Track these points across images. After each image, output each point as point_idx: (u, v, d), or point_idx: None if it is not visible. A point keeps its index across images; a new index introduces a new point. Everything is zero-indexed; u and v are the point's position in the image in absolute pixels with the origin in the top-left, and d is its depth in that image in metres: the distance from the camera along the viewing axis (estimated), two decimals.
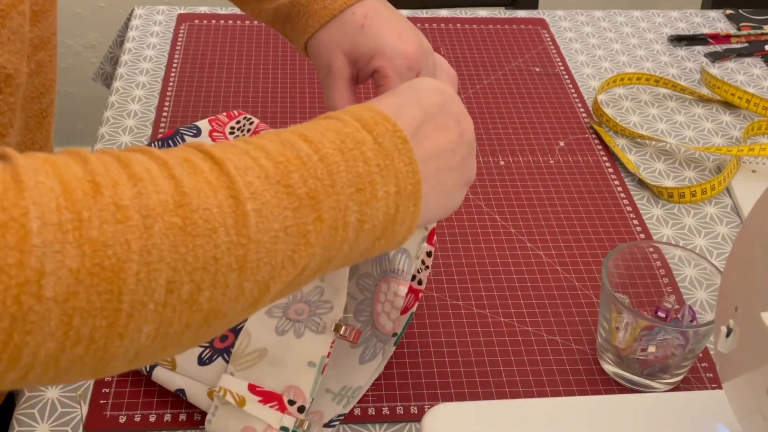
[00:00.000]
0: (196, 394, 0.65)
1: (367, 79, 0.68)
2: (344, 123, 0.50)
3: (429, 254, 0.68)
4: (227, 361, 0.65)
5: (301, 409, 0.62)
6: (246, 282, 0.44)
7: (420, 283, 0.68)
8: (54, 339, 0.39)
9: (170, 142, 0.78)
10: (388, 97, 0.54)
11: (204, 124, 0.82)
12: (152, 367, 0.67)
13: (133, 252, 0.39)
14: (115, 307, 0.39)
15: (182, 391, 0.65)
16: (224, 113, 0.84)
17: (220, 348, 0.65)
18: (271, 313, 0.65)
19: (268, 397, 0.62)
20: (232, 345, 0.65)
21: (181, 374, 0.65)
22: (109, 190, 0.40)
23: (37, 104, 0.69)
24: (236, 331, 0.65)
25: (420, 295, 0.68)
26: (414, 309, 0.68)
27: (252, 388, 0.63)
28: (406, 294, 0.65)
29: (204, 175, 0.43)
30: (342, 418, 0.66)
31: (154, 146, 0.77)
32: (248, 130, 0.79)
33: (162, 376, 0.66)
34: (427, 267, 0.68)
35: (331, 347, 0.63)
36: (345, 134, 0.49)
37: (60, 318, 0.38)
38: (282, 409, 0.62)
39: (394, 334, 0.66)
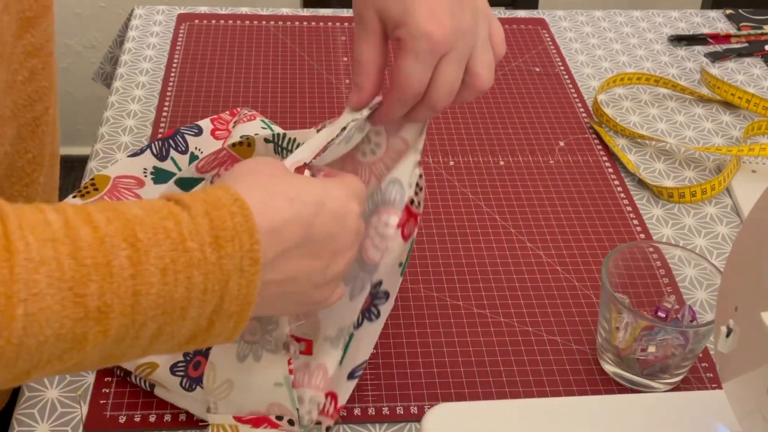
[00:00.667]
0: (200, 412, 0.65)
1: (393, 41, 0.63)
2: (193, 233, 0.46)
3: (420, 176, 0.66)
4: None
5: (290, 422, 0.62)
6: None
7: (418, 206, 0.65)
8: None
9: (171, 141, 0.78)
10: (288, 200, 0.51)
11: (206, 124, 0.81)
12: (152, 386, 0.67)
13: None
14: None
15: (186, 410, 0.65)
16: (227, 111, 0.83)
17: (194, 377, 0.64)
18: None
19: (257, 422, 0.62)
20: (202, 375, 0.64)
21: (178, 395, 0.65)
22: None
23: (30, 112, 0.68)
24: (206, 355, 0.64)
25: (418, 218, 0.65)
26: (414, 234, 0.65)
27: (238, 419, 0.62)
28: (406, 220, 0.63)
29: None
30: (365, 364, 0.65)
31: (155, 146, 0.76)
32: (246, 119, 0.79)
33: (162, 395, 0.66)
34: (421, 188, 0.65)
35: (289, 365, 0.61)
36: (181, 251, 0.45)
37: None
38: (273, 426, 0.62)
39: (401, 264, 0.64)
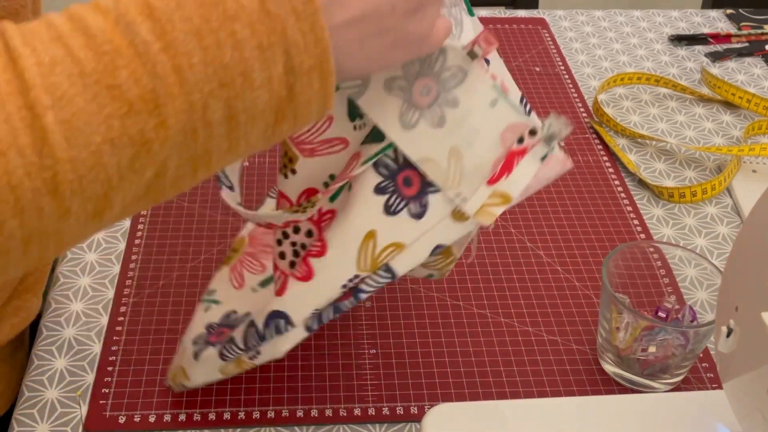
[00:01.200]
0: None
1: None
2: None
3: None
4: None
5: (532, 133, 0.54)
6: (67, 202, 0.37)
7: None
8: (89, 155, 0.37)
9: None
10: None
11: None
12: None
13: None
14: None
15: (186, 410, 0.65)
16: None
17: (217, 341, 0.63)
18: (390, 88, 0.52)
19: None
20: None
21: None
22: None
23: None
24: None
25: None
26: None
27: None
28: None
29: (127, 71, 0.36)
30: None
31: None
32: None
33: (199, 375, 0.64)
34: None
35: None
36: (210, 6, 0.38)
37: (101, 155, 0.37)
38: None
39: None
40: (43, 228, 0.37)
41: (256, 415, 0.66)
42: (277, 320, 0.57)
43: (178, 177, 0.40)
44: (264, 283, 0.68)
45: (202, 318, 0.67)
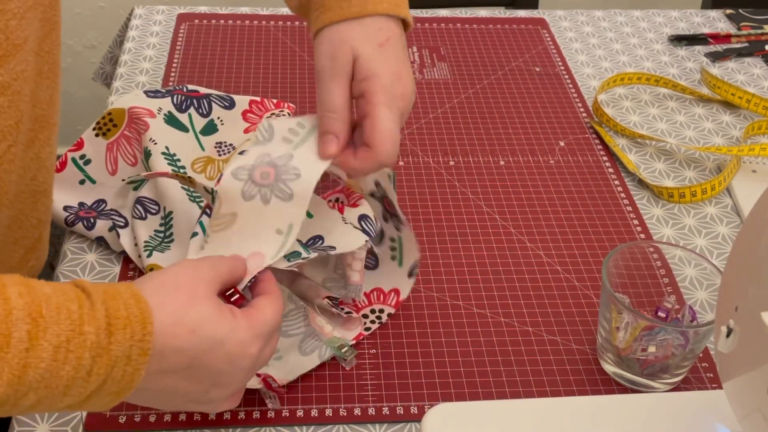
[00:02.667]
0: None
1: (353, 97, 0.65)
2: (91, 318, 0.49)
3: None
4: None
5: (332, 300, 0.68)
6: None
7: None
8: None
9: (194, 101, 0.79)
10: (189, 331, 0.52)
11: (242, 101, 0.82)
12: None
13: None
14: None
15: (186, 410, 0.65)
16: (274, 100, 0.83)
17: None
18: (236, 175, 0.64)
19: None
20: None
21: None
22: None
23: (3, 142, 0.67)
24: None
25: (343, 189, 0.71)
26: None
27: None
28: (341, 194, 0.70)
29: None
30: (418, 263, 0.73)
31: (176, 98, 0.77)
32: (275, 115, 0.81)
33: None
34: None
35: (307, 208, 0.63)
36: (77, 333, 0.48)
37: None
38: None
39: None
40: None
41: (257, 415, 0.66)
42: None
43: None
44: (135, 185, 0.75)
45: (75, 186, 0.80)
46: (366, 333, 0.71)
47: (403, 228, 0.72)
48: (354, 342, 0.70)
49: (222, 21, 1.18)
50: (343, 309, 0.71)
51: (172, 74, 1.06)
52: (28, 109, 0.67)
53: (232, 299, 0.61)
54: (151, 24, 1.17)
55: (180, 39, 1.13)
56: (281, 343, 0.68)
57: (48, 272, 0.79)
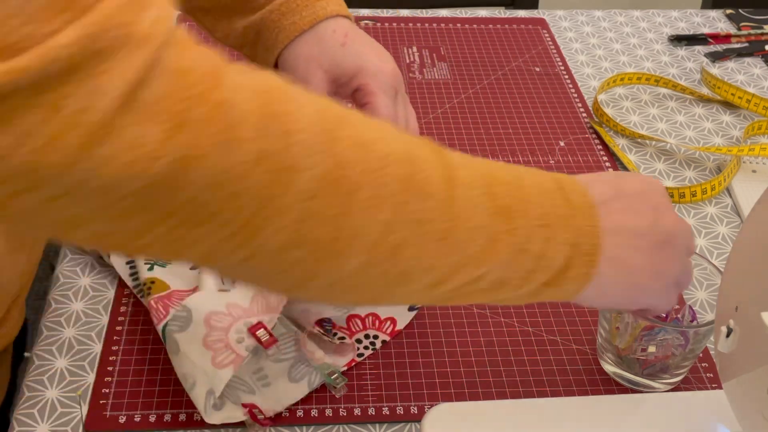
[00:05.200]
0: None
1: (342, 99, 0.67)
2: (539, 171, 0.52)
3: None
4: None
5: (324, 326, 0.70)
6: (440, 258, 0.46)
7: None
8: (286, 232, 0.41)
9: None
10: (584, 175, 0.55)
11: None
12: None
13: (367, 181, 0.43)
14: (339, 225, 0.42)
15: (186, 410, 0.65)
16: None
17: None
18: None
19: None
20: None
21: None
22: (353, 128, 0.43)
23: None
24: None
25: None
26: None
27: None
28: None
29: (427, 150, 0.46)
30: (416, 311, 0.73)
31: None
32: None
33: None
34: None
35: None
36: (541, 177, 0.51)
37: (298, 214, 0.41)
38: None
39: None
40: (413, 269, 0.46)
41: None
42: None
43: (477, 294, 0.51)
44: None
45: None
46: (358, 359, 0.71)
47: None
48: (345, 368, 0.70)
49: None
50: (336, 334, 0.71)
51: None
52: None
53: (263, 340, 0.62)
54: None
55: None
56: (270, 369, 0.67)
57: (48, 273, 0.79)
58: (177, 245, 0.41)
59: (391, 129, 0.46)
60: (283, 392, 0.66)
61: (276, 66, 0.69)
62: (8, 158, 0.35)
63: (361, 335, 0.72)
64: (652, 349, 0.67)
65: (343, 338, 0.70)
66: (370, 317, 0.72)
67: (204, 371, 0.63)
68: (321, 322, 0.70)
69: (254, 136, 0.39)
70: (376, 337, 0.72)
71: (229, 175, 0.39)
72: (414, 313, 0.73)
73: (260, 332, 0.64)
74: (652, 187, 0.56)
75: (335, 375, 0.67)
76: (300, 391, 0.66)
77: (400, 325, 0.73)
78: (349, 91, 0.66)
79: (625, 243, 0.53)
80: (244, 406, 0.64)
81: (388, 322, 0.72)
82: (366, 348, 0.71)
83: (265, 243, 0.41)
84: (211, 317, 0.65)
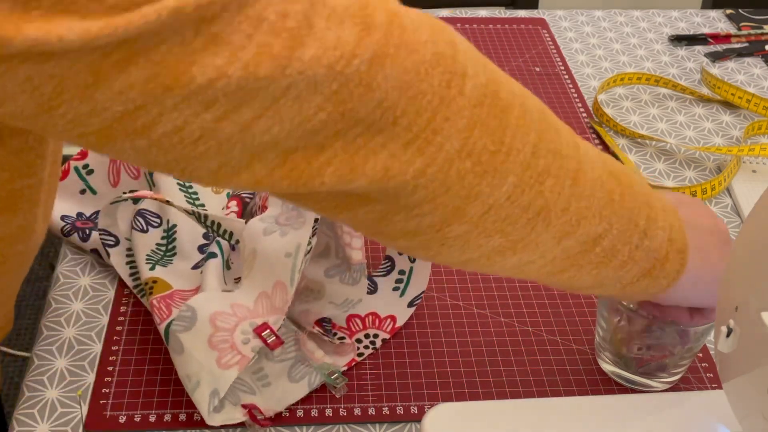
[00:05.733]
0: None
1: None
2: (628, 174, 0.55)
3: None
4: None
5: (324, 325, 0.70)
6: (571, 200, 0.49)
7: None
8: (458, 138, 0.44)
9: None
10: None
11: None
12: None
13: (516, 103, 0.46)
14: (499, 138, 0.45)
15: (186, 410, 0.65)
16: None
17: None
18: (263, 220, 0.68)
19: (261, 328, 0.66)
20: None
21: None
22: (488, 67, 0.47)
23: None
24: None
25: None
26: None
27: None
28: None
29: (563, 125, 0.50)
30: (422, 293, 0.74)
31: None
32: None
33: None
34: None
35: (311, 237, 0.66)
36: (632, 174, 0.54)
37: (468, 120, 0.44)
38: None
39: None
40: (551, 206, 0.49)
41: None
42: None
43: (591, 260, 0.53)
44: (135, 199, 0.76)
45: (75, 195, 0.82)
46: (358, 359, 0.71)
47: (416, 260, 0.72)
48: (345, 368, 0.70)
49: None
50: (336, 334, 0.71)
51: None
52: None
53: (268, 341, 0.62)
54: None
55: None
56: (270, 369, 0.67)
57: (48, 273, 0.79)
58: (357, 157, 0.43)
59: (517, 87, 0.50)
60: (283, 392, 0.66)
61: None
62: (224, 77, 0.37)
63: (361, 335, 0.72)
64: (649, 348, 0.67)
65: (342, 338, 0.70)
66: (370, 317, 0.73)
67: (209, 371, 0.63)
68: (321, 322, 0.70)
69: (428, 40, 0.43)
70: (376, 335, 0.72)
71: (413, 76, 0.42)
72: (412, 309, 0.73)
73: (266, 333, 0.64)
74: (697, 202, 0.61)
75: (335, 375, 0.67)
76: (300, 391, 0.66)
77: (399, 322, 0.73)
78: None
79: (705, 239, 0.57)
80: (244, 406, 0.64)
81: (389, 320, 0.72)
82: (366, 347, 0.71)
83: (440, 149, 0.44)
84: (216, 317, 0.65)
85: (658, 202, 0.55)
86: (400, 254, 0.73)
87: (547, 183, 0.48)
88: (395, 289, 0.73)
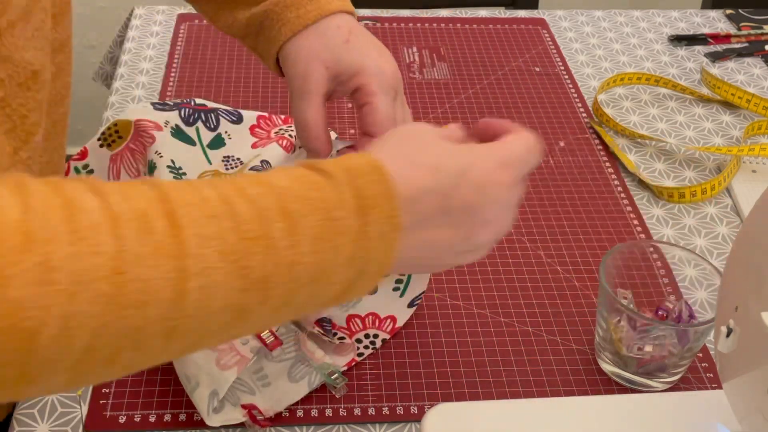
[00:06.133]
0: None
1: (341, 97, 0.66)
2: (338, 202, 0.47)
3: None
4: None
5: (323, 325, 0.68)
6: (171, 345, 0.43)
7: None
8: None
9: (202, 115, 0.78)
10: (429, 170, 0.51)
11: (250, 116, 0.81)
12: None
13: (53, 317, 0.38)
14: (25, 361, 0.39)
15: (186, 411, 0.65)
16: (282, 116, 0.83)
17: None
18: None
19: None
20: None
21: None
22: (41, 247, 0.38)
23: (60, 107, 0.69)
24: None
25: None
26: None
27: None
28: None
29: (155, 239, 0.41)
30: (422, 294, 0.73)
31: (184, 111, 0.77)
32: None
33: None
34: None
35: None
36: (329, 220, 0.46)
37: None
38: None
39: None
40: (140, 363, 0.43)
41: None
42: None
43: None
44: None
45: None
46: (358, 359, 0.70)
47: None
48: (346, 368, 0.70)
49: None
50: (336, 334, 0.70)
51: (172, 74, 1.06)
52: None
53: (267, 342, 0.63)
54: (151, 24, 1.17)
55: (180, 39, 1.13)
56: (270, 369, 0.67)
57: None
58: None
59: (98, 228, 0.40)
60: (283, 392, 0.66)
61: (277, 59, 0.68)
62: None
63: (360, 335, 0.72)
64: (648, 348, 0.67)
65: (343, 338, 0.70)
66: (370, 317, 0.72)
67: (208, 373, 0.63)
68: (321, 323, 0.70)
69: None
70: (376, 336, 0.72)
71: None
72: (413, 310, 0.73)
73: (265, 334, 0.64)
74: (489, 197, 0.53)
75: (335, 375, 0.67)
76: (300, 391, 0.66)
77: (399, 323, 0.73)
78: (348, 89, 0.65)
79: (425, 256, 0.53)
80: (244, 407, 0.64)
81: (389, 320, 0.72)
82: (366, 348, 0.71)
83: None
84: None
85: (345, 261, 0.47)
86: None
87: (122, 357, 0.42)
88: (395, 289, 0.73)
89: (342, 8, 0.67)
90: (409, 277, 0.72)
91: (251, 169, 0.67)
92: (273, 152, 0.76)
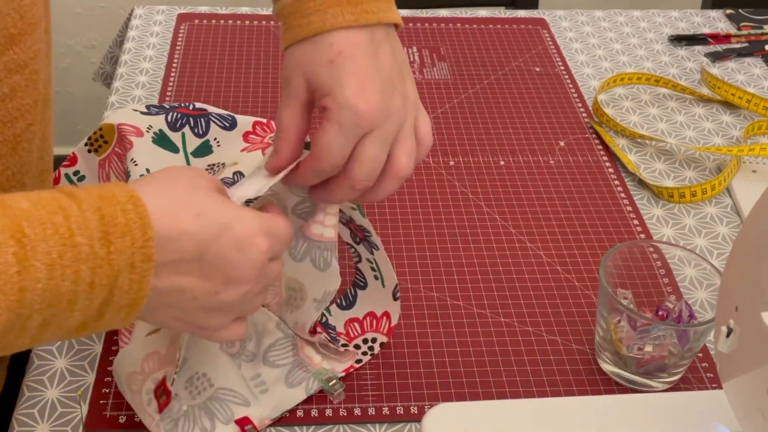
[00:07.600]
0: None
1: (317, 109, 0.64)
2: (82, 228, 0.47)
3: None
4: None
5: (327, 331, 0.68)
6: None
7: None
8: None
9: (191, 119, 0.77)
10: (195, 214, 0.51)
11: (245, 122, 0.79)
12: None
13: None
14: None
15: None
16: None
17: None
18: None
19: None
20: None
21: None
22: None
23: (10, 129, 0.67)
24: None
25: None
26: None
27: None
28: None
29: None
30: (398, 286, 0.71)
31: (171, 116, 0.76)
32: None
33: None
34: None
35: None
36: (69, 246, 0.46)
37: None
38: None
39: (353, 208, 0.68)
40: None
41: None
42: None
43: None
44: None
45: None
46: (357, 365, 0.70)
47: (376, 252, 0.70)
48: (344, 374, 0.69)
49: (222, 21, 1.18)
50: (338, 342, 0.70)
51: (172, 74, 1.06)
52: (43, 89, 0.68)
53: (160, 401, 0.62)
54: (151, 24, 1.17)
55: (180, 39, 1.13)
56: (268, 374, 0.66)
57: None
58: None
59: None
60: (280, 398, 0.66)
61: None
62: None
63: (359, 340, 0.71)
64: (648, 348, 0.67)
65: (346, 345, 0.70)
66: (368, 318, 0.72)
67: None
68: (326, 329, 0.70)
69: None
70: (374, 340, 0.71)
71: None
72: (398, 304, 0.72)
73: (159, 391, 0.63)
74: (246, 257, 0.53)
75: (333, 381, 0.66)
76: (297, 396, 0.66)
77: (394, 320, 0.72)
78: (319, 106, 0.62)
79: (173, 302, 0.52)
80: (237, 422, 0.64)
81: (384, 319, 0.72)
82: (365, 354, 0.71)
83: None
84: (130, 377, 0.65)
85: (86, 287, 0.48)
86: (357, 243, 0.72)
87: None
88: (375, 278, 0.72)
89: (353, 23, 0.62)
90: (377, 262, 0.70)
91: (222, 179, 0.66)
92: (253, 159, 0.74)
